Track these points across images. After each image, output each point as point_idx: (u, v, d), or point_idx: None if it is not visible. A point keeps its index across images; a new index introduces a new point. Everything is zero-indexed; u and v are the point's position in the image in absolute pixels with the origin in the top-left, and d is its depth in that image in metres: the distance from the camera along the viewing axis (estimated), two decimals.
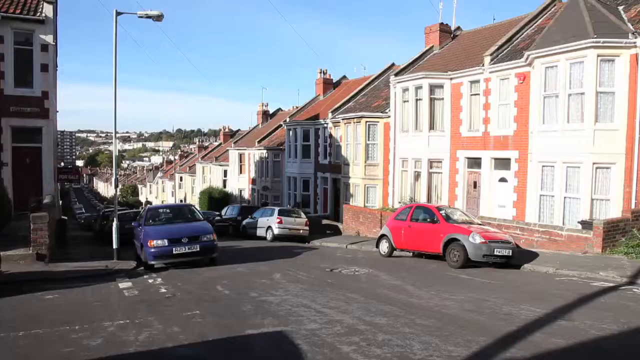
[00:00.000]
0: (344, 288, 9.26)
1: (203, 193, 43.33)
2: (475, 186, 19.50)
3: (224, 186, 44.98)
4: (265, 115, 46.52)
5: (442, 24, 24.91)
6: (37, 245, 12.12)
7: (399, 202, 21.48)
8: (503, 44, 19.10)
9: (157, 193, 72.58)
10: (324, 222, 25.24)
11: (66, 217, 23.82)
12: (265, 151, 36.71)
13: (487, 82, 18.63)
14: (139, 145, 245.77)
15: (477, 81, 19.13)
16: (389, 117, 23.16)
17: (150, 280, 10.78)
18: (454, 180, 20.14)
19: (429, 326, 6.31)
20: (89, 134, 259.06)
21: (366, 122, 24.13)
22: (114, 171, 15.91)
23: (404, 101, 21.66)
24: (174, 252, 12.25)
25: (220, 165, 47.12)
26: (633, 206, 13.74)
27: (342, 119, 26.05)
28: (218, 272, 11.50)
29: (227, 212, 27.95)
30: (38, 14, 17.23)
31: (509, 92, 17.82)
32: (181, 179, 61.06)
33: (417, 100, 20.84)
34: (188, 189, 57.96)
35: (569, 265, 11.45)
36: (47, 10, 17.35)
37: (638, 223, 12.94)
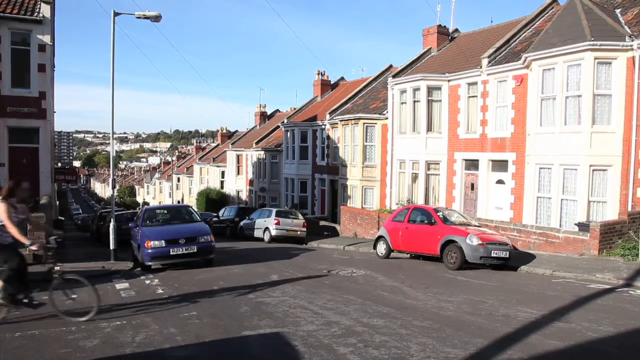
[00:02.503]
0: (341, 289, 9.25)
1: (200, 194, 43.29)
2: (472, 188, 19.53)
3: (222, 187, 44.94)
4: (263, 117, 46.54)
5: (440, 26, 24.99)
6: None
7: (397, 204, 21.50)
8: (501, 46, 19.16)
9: (154, 194, 72.47)
10: (322, 223, 25.25)
11: (63, 218, 23.75)
12: (262, 152, 36.70)
13: (485, 84, 18.68)
14: (137, 146, 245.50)
15: (475, 83, 19.18)
16: (387, 118, 23.20)
17: (147, 281, 10.76)
18: (451, 182, 20.17)
19: (426, 328, 6.31)
20: (86, 135, 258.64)
21: (364, 123, 24.16)
22: (111, 172, 15.90)
23: (402, 103, 21.70)
24: (171, 253, 12.22)
25: (218, 167, 47.09)
26: (629, 208, 13.78)
27: (340, 121, 26.07)
28: (215, 273, 11.48)
29: (225, 213, 27.93)
30: (35, 14, 17.18)
31: (506, 94, 17.88)
32: (179, 179, 60.98)
33: (414, 102, 20.88)
34: (185, 190, 57.86)
35: (565, 267, 11.48)
36: (45, 10, 17.32)
37: (634, 225, 12.98)
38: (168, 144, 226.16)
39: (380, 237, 15.01)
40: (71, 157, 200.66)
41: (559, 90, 14.95)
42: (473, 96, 19.39)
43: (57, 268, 7.17)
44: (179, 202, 55.50)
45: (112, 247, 14.17)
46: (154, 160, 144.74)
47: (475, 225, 13.63)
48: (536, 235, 14.41)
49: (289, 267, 12.68)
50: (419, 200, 20.49)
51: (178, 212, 15.04)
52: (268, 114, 46.96)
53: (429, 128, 20.61)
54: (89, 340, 5.99)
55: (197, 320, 6.99)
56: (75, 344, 5.83)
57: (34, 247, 6.74)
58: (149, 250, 12.17)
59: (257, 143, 38.47)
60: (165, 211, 15.62)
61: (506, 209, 17.78)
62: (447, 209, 15.51)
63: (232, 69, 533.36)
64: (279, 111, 47.32)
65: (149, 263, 12.37)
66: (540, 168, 15.87)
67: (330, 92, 36.82)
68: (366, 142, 24.12)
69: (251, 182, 39.37)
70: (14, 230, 6.60)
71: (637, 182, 13.88)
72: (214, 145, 61.18)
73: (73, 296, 7.15)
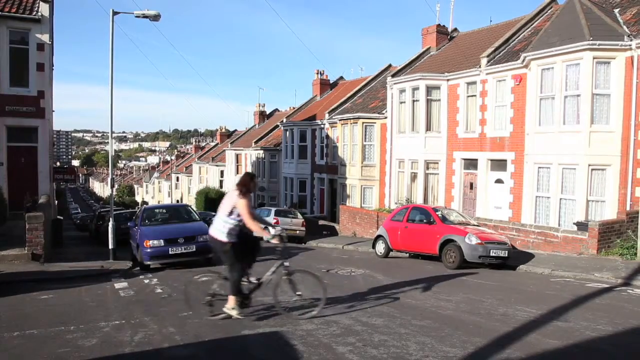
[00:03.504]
0: (340, 289, 9.25)
1: (199, 193, 43.22)
2: (471, 187, 19.55)
3: (221, 186, 44.91)
4: (262, 116, 46.50)
5: (439, 25, 25.00)
6: (33, 245, 12.07)
7: (396, 203, 21.51)
8: (500, 46, 19.17)
9: (153, 193, 72.41)
10: (321, 222, 25.25)
11: (62, 217, 23.72)
12: (262, 152, 36.69)
13: (484, 84, 18.69)
14: (136, 145, 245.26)
15: (474, 83, 19.19)
16: (386, 118, 23.21)
17: (146, 281, 10.75)
18: (450, 182, 20.18)
19: (425, 327, 6.31)
20: (85, 134, 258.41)
21: (363, 123, 24.16)
22: (110, 171, 15.87)
23: (401, 102, 21.70)
24: (170, 253, 12.23)
25: (217, 166, 47.06)
26: (628, 208, 13.81)
27: (339, 120, 26.07)
28: None
29: None
30: (34, 13, 17.17)
31: (505, 93, 17.89)
32: (178, 179, 60.95)
33: (414, 101, 20.89)
34: (184, 189, 57.84)
35: (564, 267, 11.49)
36: (43, 9, 17.30)
37: (633, 224, 12.99)
38: (167, 143, 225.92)
39: (379, 237, 15.02)
40: (70, 156, 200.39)
41: (558, 90, 14.97)
42: (472, 95, 19.41)
43: (286, 264, 6.82)
44: (177, 201, 55.46)
45: (111, 246, 14.15)
46: (153, 160, 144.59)
47: (474, 225, 13.64)
48: (535, 235, 14.42)
49: None
50: (418, 200, 20.50)
51: (177, 212, 15.03)
52: (267, 113, 46.92)
53: (428, 127, 20.62)
54: (87, 339, 5.98)
55: (196, 319, 6.98)
56: (74, 344, 5.82)
57: (274, 241, 6.57)
58: (148, 250, 12.17)
59: (256, 142, 38.45)
60: (164, 210, 15.61)
61: (505, 209, 17.80)
62: (446, 208, 15.51)
63: (231, 68, 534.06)
64: (278, 110, 47.30)
65: (148, 262, 12.36)
66: (539, 167, 15.88)
67: (329, 92, 36.81)
68: (365, 141, 24.13)
69: None
70: (255, 227, 6.45)
71: (636, 182, 13.91)
72: (213, 144, 61.15)
73: (299, 292, 6.77)
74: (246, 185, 6.72)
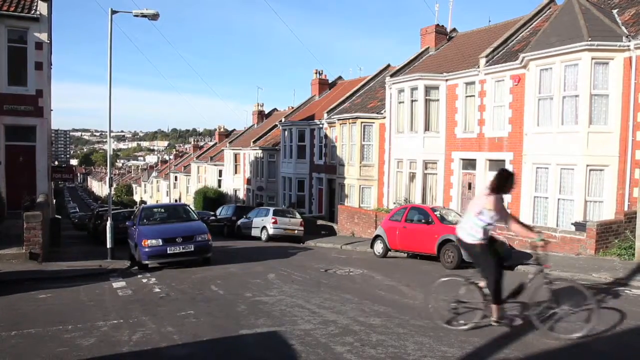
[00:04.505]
0: (338, 289, 9.26)
1: (198, 193, 43.24)
2: (470, 187, 19.56)
3: (219, 186, 44.92)
4: (261, 116, 46.49)
5: (438, 25, 25.00)
6: (30, 245, 12.06)
7: (394, 203, 21.52)
8: (498, 46, 19.18)
9: (151, 192, 72.36)
10: (319, 222, 25.24)
11: (60, 216, 23.70)
12: (260, 151, 36.67)
13: (482, 84, 18.70)
14: (134, 144, 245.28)
15: (473, 83, 19.20)
16: (385, 118, 23.21)
17: (144, 280, 10.75)
18: (448, 182, 20.19)
19: (423, 327, 6.32)
20: (83, 133, 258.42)
21: (362, 122, 24.16)
22: (108, 170, 15.86)
23: (400, 102, 21.71)
24: (168, 252, 12.22)
25: (215, 165, 47.05)
26: (626, 208, 13.83)
27: (338, 120, 26.07)
28: (212, 272, 11.47)
29: (222, 212, 27.90)
30: (32, 11, 17.15)
31: (503, 93, 17.90)
32: (176, 178, 60.90)
33: (412, 101, 20.89)
34: (183, 189, 57.80)
35: (562, 267, 11.50)
36: (42, 8, 17.27)
37: (631, 225, 13.01)
38: (165, 143, 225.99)
39: (377, 237, 15.03)
40: (68, 156, 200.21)
41: (556, 90, 14.98)
42: (471, 96, 19.42)
43: (546, 271, 5.92)
44: (176, 200, 55.43)
45: (109, 245, 14.14)
46: (152, 159, 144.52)
47: None
48: None
49: (286, 266, 12.68)
50: (417, 200, 20.51)
51: (175, 211, 15.03)
52: (266, 112, 46.92)
53: (427, 127, 20.63)
54: (85, 339, 5.98)
55: (194, 319, 6.98)
56: (72, 343, 5.82)
57: (540, 243, 5.81)
58: (146, 249, 12.16)
59: (254, 142, 38.44)
60: (163, 210, 15.61)
61: None
62: (445, 208, 15.53)
63: (229, 68, 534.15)
64: (277, 110, 47.29)
65: (146, 262, 12.35)
66: (537, 168, 15.90)
67: (328, 91, 36.80)
68: (364, 141, 24.13)
69: (249, 181, 39.34)
70: (520, 229, 5.94)
71: (634, 182, 13.94)
72: (211, 144, 61.12)
73: (565, 307, 5.85)
74: (501, 185, 5.90)
